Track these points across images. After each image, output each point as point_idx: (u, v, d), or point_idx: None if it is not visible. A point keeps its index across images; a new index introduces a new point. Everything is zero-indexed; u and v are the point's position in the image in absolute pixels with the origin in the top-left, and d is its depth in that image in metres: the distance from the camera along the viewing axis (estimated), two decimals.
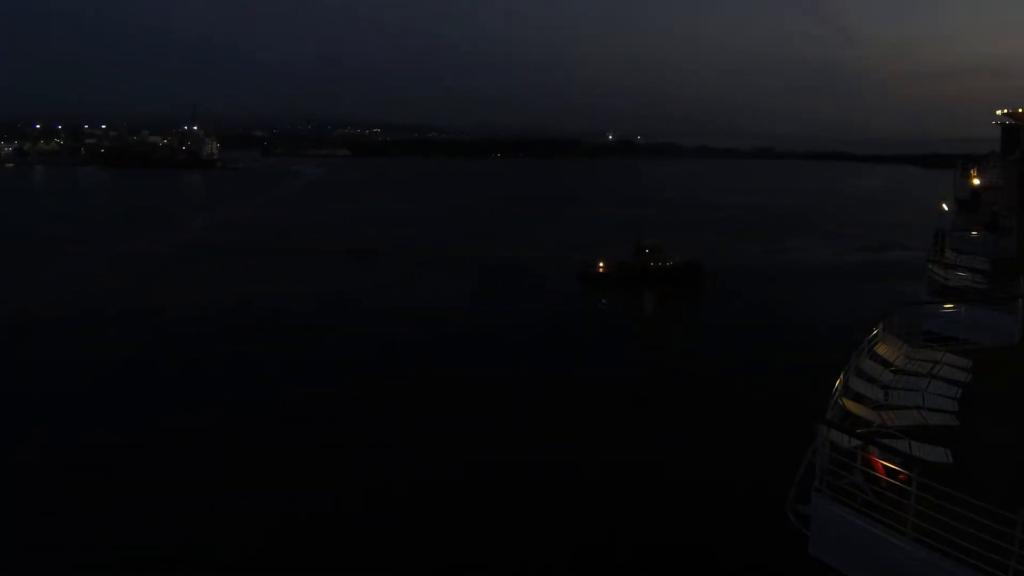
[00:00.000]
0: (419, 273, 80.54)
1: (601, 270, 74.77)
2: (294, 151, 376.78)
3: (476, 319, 61.03)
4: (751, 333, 56.67)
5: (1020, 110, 49.33)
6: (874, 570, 9.34)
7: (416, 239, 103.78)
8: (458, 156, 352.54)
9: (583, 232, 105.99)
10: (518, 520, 28.45)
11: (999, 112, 51.84)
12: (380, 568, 26.22)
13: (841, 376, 12.55)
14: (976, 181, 42.84)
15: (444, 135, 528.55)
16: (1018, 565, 7.97)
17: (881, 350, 14.98)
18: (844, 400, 12.15)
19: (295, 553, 26.72)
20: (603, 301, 70.57)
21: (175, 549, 26.53)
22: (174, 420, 38.08)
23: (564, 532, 27.68)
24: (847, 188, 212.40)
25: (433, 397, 41.94)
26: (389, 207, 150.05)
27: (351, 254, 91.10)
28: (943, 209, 33.11)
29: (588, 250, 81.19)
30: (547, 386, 43.65)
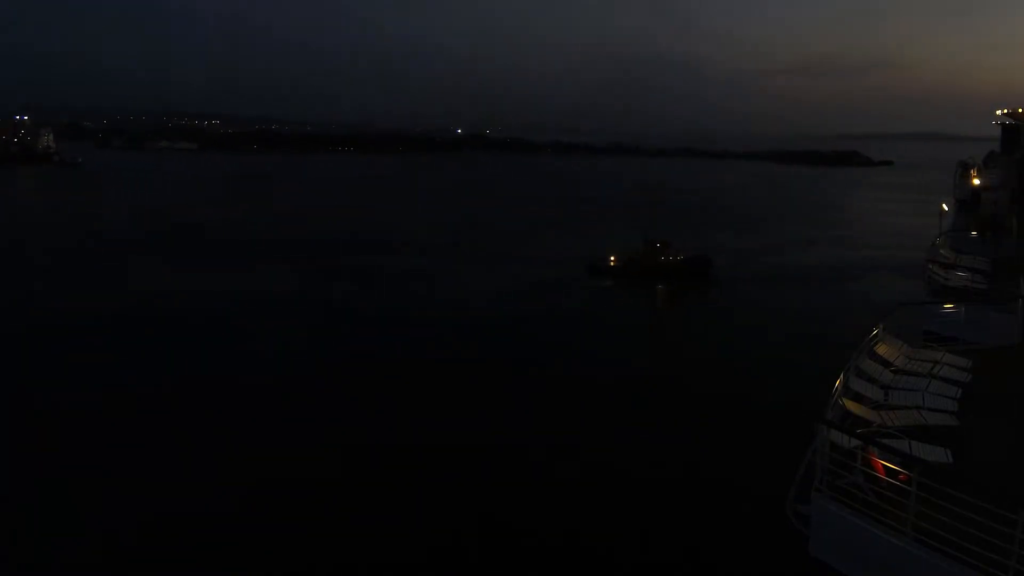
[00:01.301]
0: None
1: (612, 263, 77.48)
2: (134, 144, 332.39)
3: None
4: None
5: (1020, 110, 49.05)
6: (874, 570, 9.33)
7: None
8: (308, 151, 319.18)
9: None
10: (522, 517, 28.49)
11: (999, 112, 51.49)
12: (380, 566, 26.23)
13: (841, 376, 12.55)
14: (976, 181, 42.79)
15: (289, 128, 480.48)
16: (1018, 565, 7.96)
17: (881, 350, 15.00)
18: (844, 400, 12.14)
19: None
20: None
21: None
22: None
23: (566, 531, 27.69)
24: (723, 183, 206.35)
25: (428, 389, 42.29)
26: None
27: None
28: (943, 209, 33.13)
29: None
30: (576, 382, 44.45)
